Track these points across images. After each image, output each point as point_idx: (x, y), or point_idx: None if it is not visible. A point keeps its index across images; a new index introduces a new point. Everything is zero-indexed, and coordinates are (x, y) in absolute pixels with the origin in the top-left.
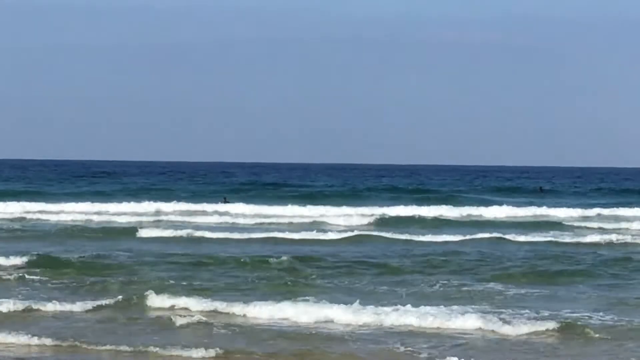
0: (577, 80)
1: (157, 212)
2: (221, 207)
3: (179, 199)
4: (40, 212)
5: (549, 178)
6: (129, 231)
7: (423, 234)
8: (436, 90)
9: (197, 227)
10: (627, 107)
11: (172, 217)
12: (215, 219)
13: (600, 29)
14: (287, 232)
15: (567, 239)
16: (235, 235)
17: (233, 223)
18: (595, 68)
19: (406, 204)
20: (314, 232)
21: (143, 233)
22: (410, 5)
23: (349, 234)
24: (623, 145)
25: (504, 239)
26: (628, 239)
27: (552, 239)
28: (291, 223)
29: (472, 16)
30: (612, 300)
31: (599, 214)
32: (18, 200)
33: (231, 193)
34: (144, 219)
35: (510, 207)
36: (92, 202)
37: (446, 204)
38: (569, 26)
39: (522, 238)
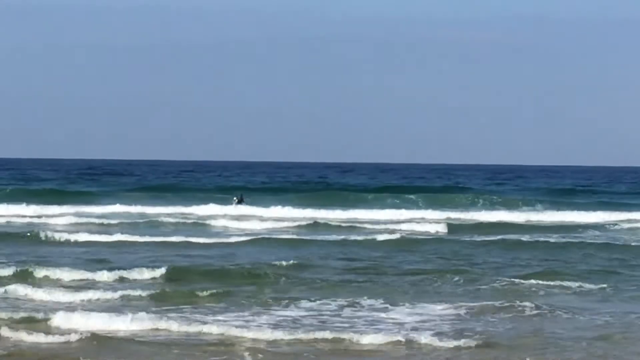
0: (578, 79)
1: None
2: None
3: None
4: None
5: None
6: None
7: None
8: (438, 88)
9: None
10: (629, 106)
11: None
12: None
13: (602, 29)
14: None
15: None
16: None
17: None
18: (597, 67)
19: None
20: None
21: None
22: (411, 4)
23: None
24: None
25: None
26: None
27: None
28: None
29: (474, 15)
30: None
31: None
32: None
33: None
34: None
35: None
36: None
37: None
38: (570, 26)
39: None
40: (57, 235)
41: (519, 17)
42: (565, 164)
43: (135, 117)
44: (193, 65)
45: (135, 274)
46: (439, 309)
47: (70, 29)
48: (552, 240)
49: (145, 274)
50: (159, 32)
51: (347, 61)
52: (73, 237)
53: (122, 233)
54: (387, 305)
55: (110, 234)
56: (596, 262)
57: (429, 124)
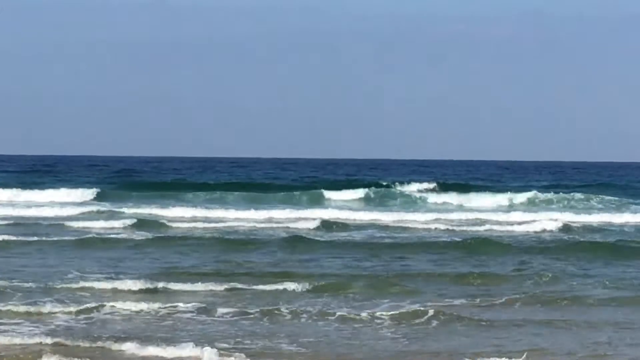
0: (579, 77)
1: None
2: None
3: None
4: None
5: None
6: None
7: None
8: (440, 87)
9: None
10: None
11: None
12: None
13: (606, 26)
14: None
15: None
16: None
17: None
18: (598, 66)
19: None
20: None
21: None
22: (411, 3)
23: None
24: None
25: None
26: None
27: None
28: None
29: (478, 14)
30: None
31: None
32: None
33: None
34: None
35: None
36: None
37: None
38: (576, 23)
39: None
40: None
41: (526, 13)
42: (559, 160)
43: (135, 115)
44: (192, 64)
45: None
46: None
47: (68, 27)
48: None
49: None
50: (161, 30)
51: (347, 60)
52: None
53: None
54: None
55: None
56: None
57: (429, 123)
